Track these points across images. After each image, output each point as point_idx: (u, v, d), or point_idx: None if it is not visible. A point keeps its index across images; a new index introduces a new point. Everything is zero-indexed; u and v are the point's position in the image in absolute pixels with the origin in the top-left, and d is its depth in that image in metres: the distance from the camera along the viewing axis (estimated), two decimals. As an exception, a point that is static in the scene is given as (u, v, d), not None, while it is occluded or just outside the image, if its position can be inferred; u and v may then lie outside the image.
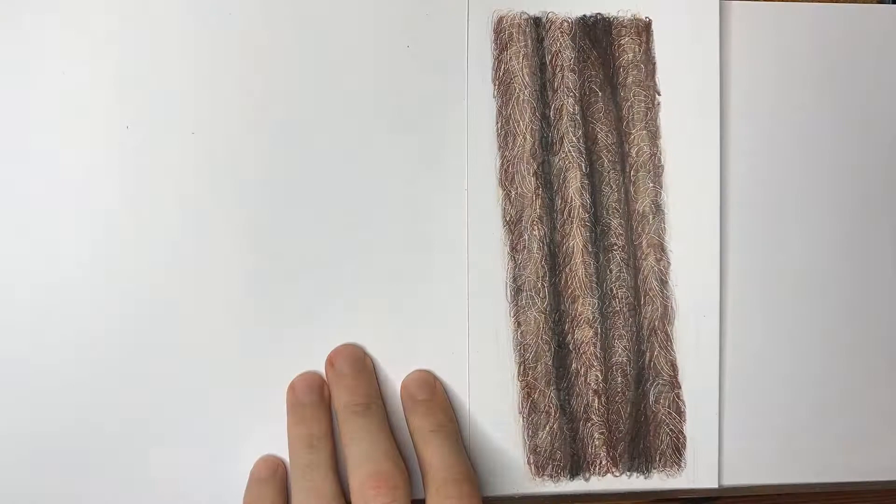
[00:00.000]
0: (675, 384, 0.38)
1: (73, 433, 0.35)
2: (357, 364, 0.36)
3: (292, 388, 0.36)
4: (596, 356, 0.37)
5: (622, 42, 0.38)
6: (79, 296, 0.35)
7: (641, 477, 0.38)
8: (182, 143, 0.36)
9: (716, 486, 0.38)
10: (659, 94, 0.38)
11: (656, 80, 0.38)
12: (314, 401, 0.35)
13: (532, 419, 0.37)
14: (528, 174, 0.37)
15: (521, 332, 0.37)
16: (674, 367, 0.38)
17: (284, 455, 0.35)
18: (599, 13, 0.37)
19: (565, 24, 0.37)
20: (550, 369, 0.37)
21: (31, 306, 0.35)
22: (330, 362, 0.36)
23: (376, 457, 0.32)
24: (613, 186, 0.37)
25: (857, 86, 0.39)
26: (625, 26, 0.38)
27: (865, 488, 0.39)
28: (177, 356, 0.36)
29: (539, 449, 0.37)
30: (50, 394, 0.35)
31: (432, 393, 0.36)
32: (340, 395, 0.35)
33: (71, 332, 0.35)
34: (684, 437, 0.38)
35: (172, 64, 0.36)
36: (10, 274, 0.35)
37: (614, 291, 0.37)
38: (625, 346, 0.37)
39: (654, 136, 0.38)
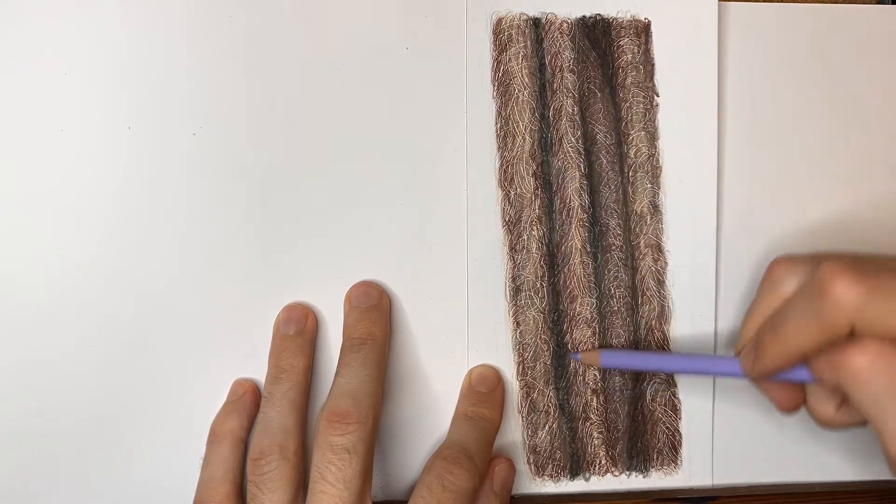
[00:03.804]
0: (671, 383, 0.38)
1: (74, 429, 0.36)
2: (366, 301, 0.36)
3: (276, 320, 0.36)
4: (595, 356, 0.37)
5: (621, 43, 0.38)
6: (79, 295, 0.35)
7: (640, 476, 0.38)
8: (183, 144, 0.36)
9: (710, 484, 0.38)
10: (657, 96, 0.38)
11: (655, 81, 0.38)
12: (290, 334, 0.35)
13: (531, 419, 0.37)
14: (528, 175, 0.37)
15: (519, 332, 0.37)
16: (672, 366, 0.38)
17: None
18: (599, 14, 0.38)
19: (564, 24, 0.37)
20: (549, 369, 0.37)
21: (31, 306, 0.35)
22: (347, 297, 0.36)
23: (344, 393, 0.32)
24: (612, 187, 0.38)
25: (857, 86, 0.39)
26: (624, 27, 0.38)
27: (864, 488, 0.39)
28: (176, 356, 0.36)
29: (538, 449, 0.37)
30: (50, 390, 0.35)
31: (490, 388, 0.36)
32: (344, 330, 0.36)
33: (71, 332, 0.35)
34: (680, 434, 0.38)
35: (173, 65, 0.36)
36: (11, 273, 0.35)
37: (612, 291, 0.38)
38: (622, 346, 0.38)
39: (652, 137, 0.38)
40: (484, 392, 0.36)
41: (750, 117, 0.39)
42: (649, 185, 0.38)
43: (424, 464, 0.33)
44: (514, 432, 0.37)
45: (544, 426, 0.37)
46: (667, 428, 0.38)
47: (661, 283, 0.38)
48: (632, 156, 0.38)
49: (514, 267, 0.37)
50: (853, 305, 0.28)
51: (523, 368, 0.37)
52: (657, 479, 0.38)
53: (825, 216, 0.39)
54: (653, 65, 0.38)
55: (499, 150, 0.37)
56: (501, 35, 0.37)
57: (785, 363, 0.31)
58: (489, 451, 0.35)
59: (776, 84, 0.39)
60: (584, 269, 0.37)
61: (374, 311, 0.36)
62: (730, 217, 0.38)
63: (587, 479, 0.37)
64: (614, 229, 0.38)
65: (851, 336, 0.28)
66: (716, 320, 0.38)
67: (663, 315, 0.38)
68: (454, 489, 0.32)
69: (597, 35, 0.38)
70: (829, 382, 0.30)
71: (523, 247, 0.37)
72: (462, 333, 0.37)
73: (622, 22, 0.38)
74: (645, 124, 0.38)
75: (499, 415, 0.36)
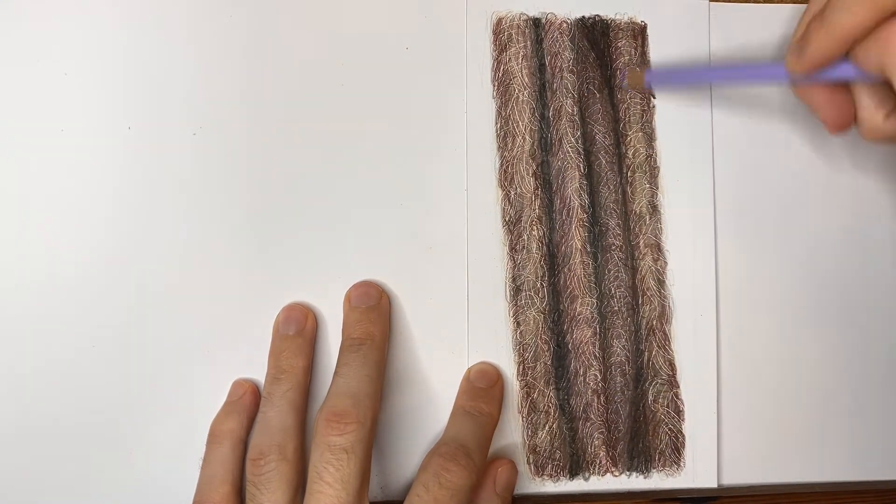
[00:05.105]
0: (673, 383, 0.38)
1: (74, 429, 0.35)
2: (366, 301, 0.36)
3: (276, 320, 0.36)
4: (595, 356, 0.37)
5: (619, 45, 0.38)
6: (79, 295, 0.35)
7: (641, 476, 0.38)
8: (183, 144, 0.36)
9: (715, 485, 0.38)
10: (654, 97, 0.38)
11: (652, 83, 0.38)
12: (290, 334, 0.35)
13: (531, 419, 0.37)
14: (528, 175, 0.37)
15: (520, 332, 0.37)
16: (672, 366, 0.38)
17: None
18: (598, 15, 0.38)
19: (564, 24, 0.38)
20: (549, 369, 0.37)
21: (31, 305, 0.35)
22: (347, 297, 0.36)
23: (343, 392, 0.32)
24: (611, 187, 0.38)
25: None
26: (622, 29, 0.38)
27: (865, 488, 0.39)
28: (176, 356, 0.36)
29: (538, 449, 0.37)
30: (49, 390, 0.35)
31: (489, 384, 0.36)
32: (343, 330, 0.35)
33: (71, 331, 0.35)
34: (683, 436, 0.38)
35: (174, 65, 0.36)
36: (11, 273, 0.35)
37: (613, 291, 0.38)
38: (623, 346, 0.38)
39: (649, 137, 0.38)
40: (483, 388, 0.36)
41: (743, 115, 0.39)
42: (647, 185, 0.38)
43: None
44: (514, 432, 0.37)
45: (544, 426, 0.37)
46: (669, 429, 0.38)
47: (661, 282, 0.38)
48: (630, 156, 0.38)
49: (515, 267, 0.37)
50: None
51: (523, 368, 0.37)
52: (658, 480, 0.38)
53: (822, 212, 0.39)
54: (649, 66, 0.38)
55: (499, 150, 0.37)
56: (501, 35, 0.37)
57: (831, 50, 0.29)
58: (487, 447, 0.35)
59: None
60: (584, 269, 0.37)
61: (374, 311, 0.35)
62: (727, 215, 0.38)
63: (586, 479, 0.37)
64: (614, 229, 0.38)
65: None
66: (717, 319, 0.38)
67: (664, 315, 0.38)
68: (451, 486, 0.32)
69: (595, 36, 0.38)
70: (874, 65, 0.28)
71: (523, 247, 0.37)
72: (462, 333, 0.37)
73: (620, 24, 0.38)
74: (642, 125, 0.38)
75: (497, 410, 0.36)
